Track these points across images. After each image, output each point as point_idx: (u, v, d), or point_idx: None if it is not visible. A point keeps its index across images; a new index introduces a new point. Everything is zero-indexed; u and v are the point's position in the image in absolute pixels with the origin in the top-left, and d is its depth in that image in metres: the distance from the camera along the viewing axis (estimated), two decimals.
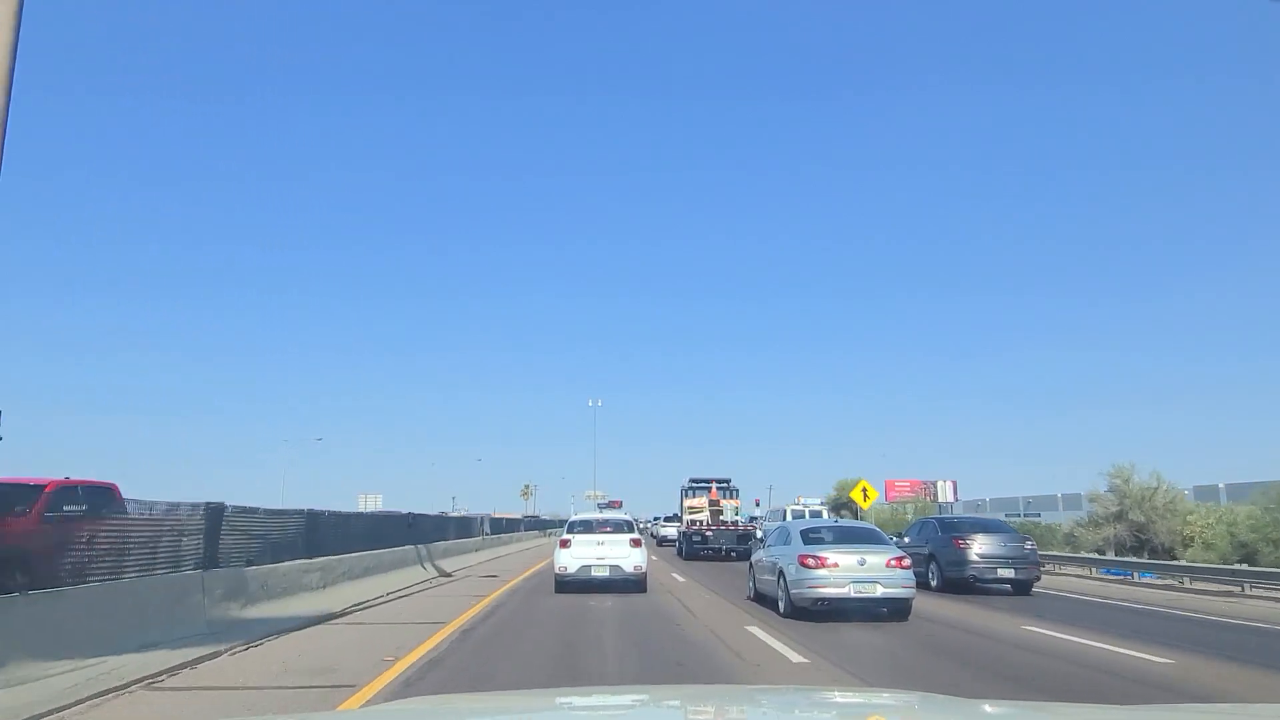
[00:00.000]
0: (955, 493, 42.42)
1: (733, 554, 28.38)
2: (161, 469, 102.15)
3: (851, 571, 11.76)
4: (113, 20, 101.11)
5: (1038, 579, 17.05)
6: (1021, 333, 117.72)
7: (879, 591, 11.71)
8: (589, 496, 57.44)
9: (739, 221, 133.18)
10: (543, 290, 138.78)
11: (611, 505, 57.11)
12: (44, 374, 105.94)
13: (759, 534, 33.04)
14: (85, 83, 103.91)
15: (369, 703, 6.45)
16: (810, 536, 12.70)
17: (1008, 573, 16.41)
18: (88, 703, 6.28)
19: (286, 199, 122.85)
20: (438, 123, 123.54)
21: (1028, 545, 16.96)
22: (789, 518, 31.96)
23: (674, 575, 20.93)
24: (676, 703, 3.26)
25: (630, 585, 15.18)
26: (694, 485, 30.81)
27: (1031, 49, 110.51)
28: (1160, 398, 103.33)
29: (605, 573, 14.95)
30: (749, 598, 14.83)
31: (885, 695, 4.22)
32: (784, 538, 13.43)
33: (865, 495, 33.69)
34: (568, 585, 15.20)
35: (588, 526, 16.13)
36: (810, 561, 11.87)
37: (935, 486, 42.64)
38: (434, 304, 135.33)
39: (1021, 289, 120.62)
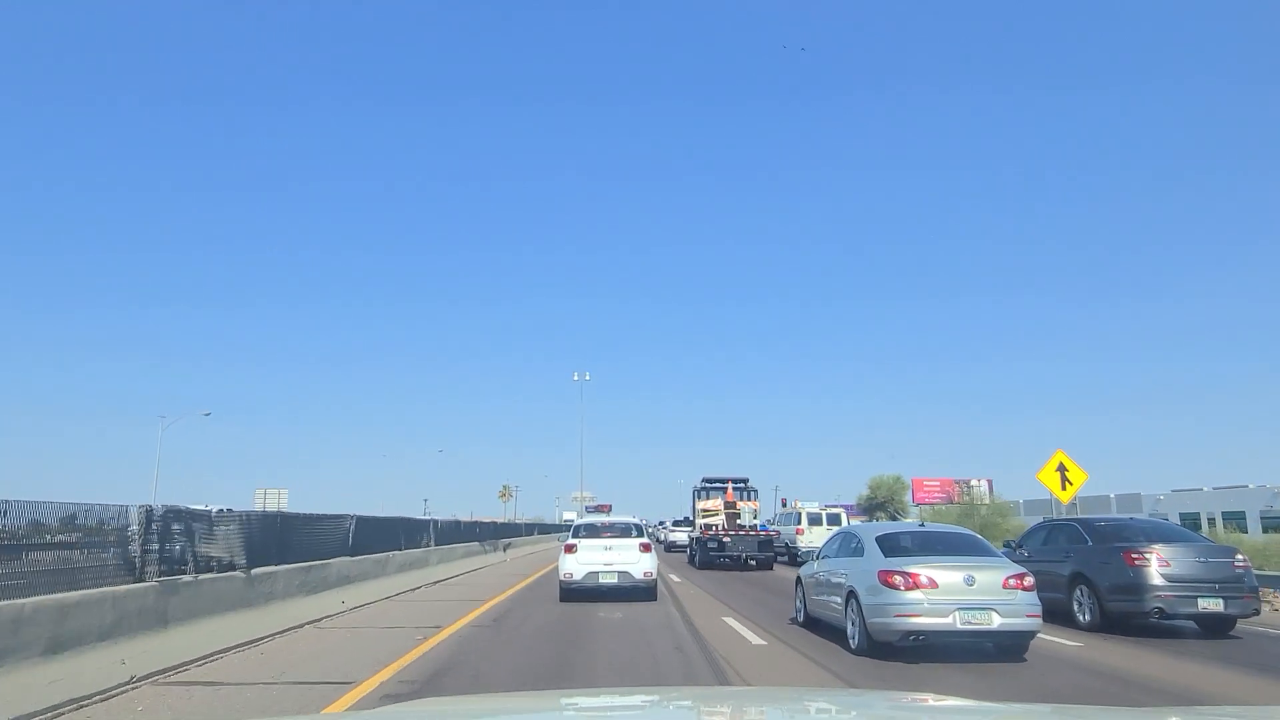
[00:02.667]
0: (990, 493, 39.13)
1: (752, 563, 25.43)
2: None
3: (957, 594, 8.53)
4: (107, 25, 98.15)
5: (1256, 612, 11.14)
6: (1020, 335, 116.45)
7: (995, 622, 8.46)
8: (576, 499, 52.91)
9: (731, 223, 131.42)
10: (533, 289, 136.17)
11: (599, 509, 53.27)
12: None
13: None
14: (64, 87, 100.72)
15: None
16: (892, 545, 9.45)
17: (1213, 604, 10.62)
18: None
19: (260, 199, 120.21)
20: (435, 127, 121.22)
21: (1239, 562, 11.09)
22: (804, 521, 28.53)
23: (690, 589, 17.69)
24: (688, 703, 3.07)
25: (639, 593, 14.19)
26: (707, 485, 27.34)
27: (1031, 51, 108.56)
28: (1158, 400, 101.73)
29: (614, 579, 14.02)
30: (796, 622, 11.65)
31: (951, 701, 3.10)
32: (852, 547, 10.20)
33: (1065, 479, 18.46)
34: (573, 593, 14.19)
35: (594, 531, 14.94)
36: (897, 580, 8.64)
37: (969, 486, 39.45)
38: (428, 304, 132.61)
39: (1021, 291, 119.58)
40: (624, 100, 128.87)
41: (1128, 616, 11.13)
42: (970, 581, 8.58)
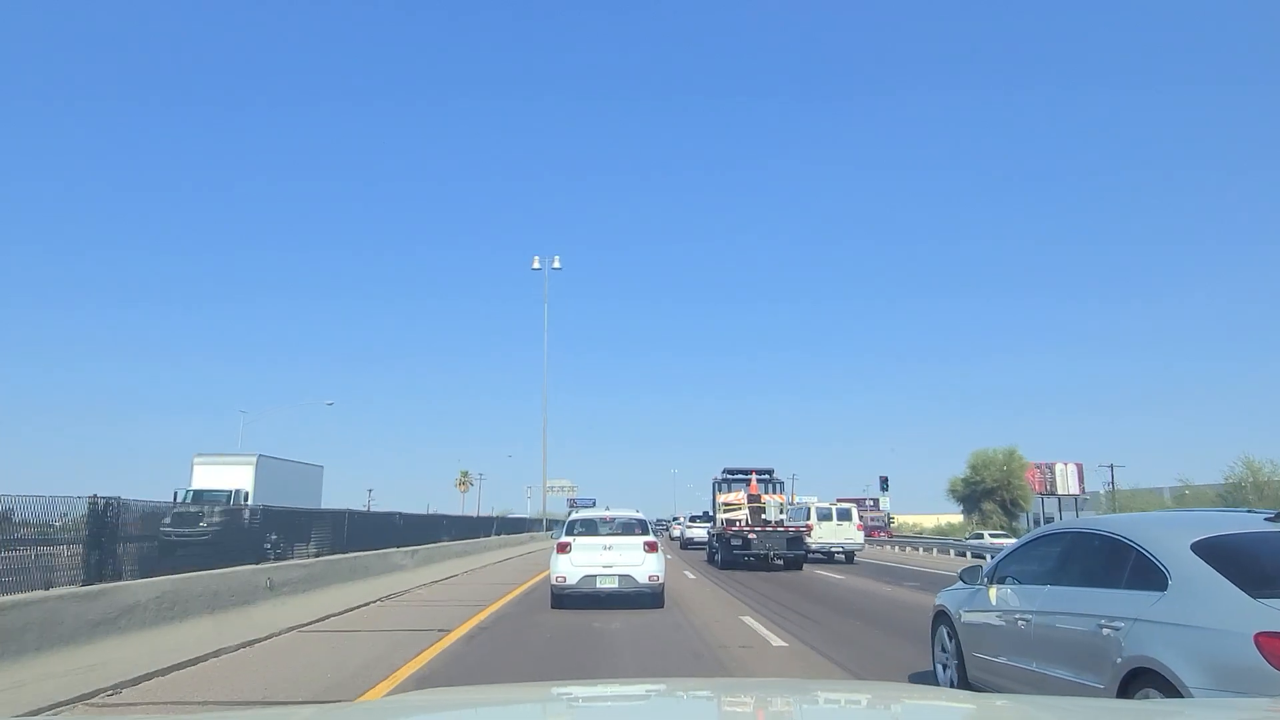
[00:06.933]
0: (1080, 480, 32.61)
1: (779, 562, 23.21)
2: None
3: None
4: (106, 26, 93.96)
5: None
6: (1018, 335, 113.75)
7: None
8: (554, 489, 43.07)
9: (727, 222, 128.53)
10: (525, 287, 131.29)
11: (575, 504, 47.98)
12: None
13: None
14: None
15: None
16: (1256, 568, 3.97)
17: None
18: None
19: (231, 201, 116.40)
20: (451, 126, 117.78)
21: None
22: (813, 516, 26.54)
23: (739, 616, 12.36)
24: (707, 693, 3.14)
25: (644, 598, 12.75)
26: (729, 477, 24.82)
27: (1031, 51, 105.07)
28: (1151, 400, 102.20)
29: (613, 583, 12.59)
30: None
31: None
32: (1110, 563, 4.67)
33: None
34: (566, 600, 12.69)
35: (591, 527, 13.55)
36: None
37: (1051, 471, 32.88)
38: (423, 303, 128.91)
39: (1018, 292, 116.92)
40: (624, 99, 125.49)
41: None
42: None
